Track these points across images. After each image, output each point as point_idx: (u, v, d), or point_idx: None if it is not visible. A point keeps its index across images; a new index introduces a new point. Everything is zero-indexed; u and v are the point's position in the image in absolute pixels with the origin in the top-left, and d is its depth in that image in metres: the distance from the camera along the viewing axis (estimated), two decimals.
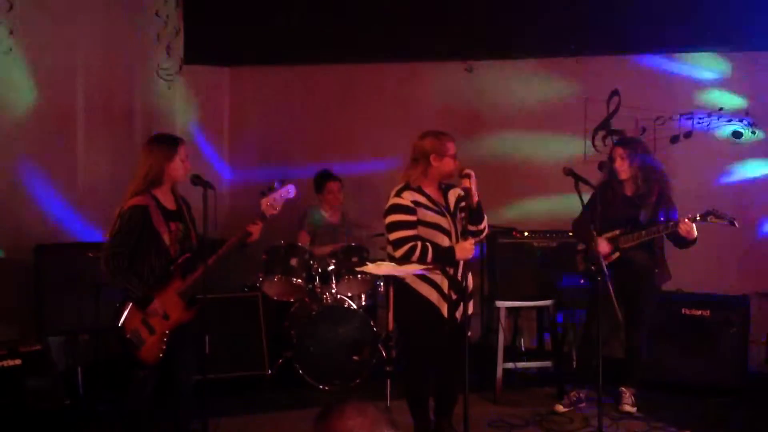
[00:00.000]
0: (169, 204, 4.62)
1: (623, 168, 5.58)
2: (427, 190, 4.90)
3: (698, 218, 5.31)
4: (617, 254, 5.54)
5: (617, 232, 5.56)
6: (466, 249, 4.76)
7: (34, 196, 6.34)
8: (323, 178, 7.00)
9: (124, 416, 4.73)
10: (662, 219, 5.49)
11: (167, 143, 4.62)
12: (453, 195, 4.99)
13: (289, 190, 4.68)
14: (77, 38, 6.63)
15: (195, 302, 4.65)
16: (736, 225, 5.35)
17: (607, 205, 5.47)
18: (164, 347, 4.54)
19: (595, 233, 5.15)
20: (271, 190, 4.66)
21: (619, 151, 5.60)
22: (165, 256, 4.55)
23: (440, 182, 4.97)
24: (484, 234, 5.07)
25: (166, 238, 4.54)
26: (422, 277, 4.82)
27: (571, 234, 5.93)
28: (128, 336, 4.52)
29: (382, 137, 7.46)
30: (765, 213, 6.63)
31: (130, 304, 4.52)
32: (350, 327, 6.24)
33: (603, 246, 5.45)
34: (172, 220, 4.59)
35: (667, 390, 5.99)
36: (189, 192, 4.75)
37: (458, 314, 4.87)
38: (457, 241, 4.86)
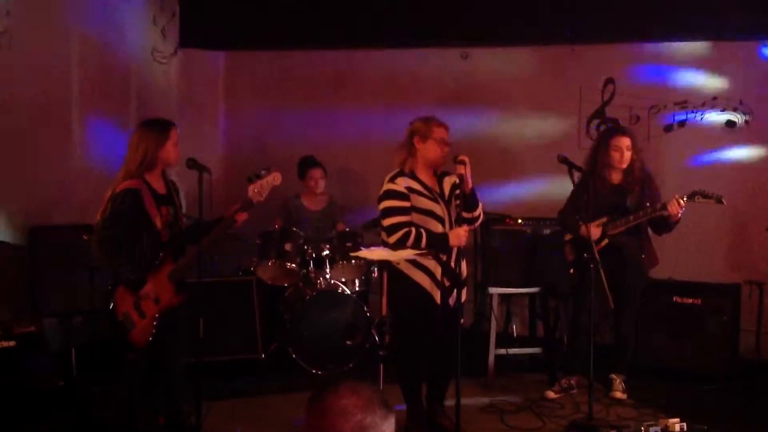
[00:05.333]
0: (160, 188, 4.62)
1: (626, 158, 5.58)
2: (422, 177, 4.91)
3: (685, 198, 5.35)
4: (606, 241, 5.56)
5: (604, 219, 5.58)
6: (459, 236, 4.77)
7: (29, 177, 6.33)
8: (306, 164, 6.96)
9: (117, 398, 4.76)
10: (648, 204, 5.52)
11: (159, 128, 4.61)
12: (448, 182, 4.99)
13: (276, 177, 4.66)
14: (73, 21, 6.60)
15: (184, 286, 4.67)
16: (724, 203, 5.40)
17: (595, 193, 5.48)
18: (155, 330, 4.55)
19: (580, 222, 5.19)
20: (257, 177, 4.64)
21: (627, 141, 5.59)
22: (157, 239, 4.55)
23: (435, 169, 4.98)
24: (479, 221, 5.08)
25: (157, 222, 4.54)
26: (416, 264, 4.84)
27: (558, 222, 5.96)
28: (120, 319, 4.54)
29: (377, 123, 7.45)
30: (756, 201, 6.65)
31: (121, 287, 4.53)
32: (344, 312, 6.25)
33: (594, 231, 5.47)
34: (163, 204, 4.60)
35: (658, 377, 6.03)
36: (184, 175, 4.76)
37: (451, 301, 4.89)
38: (451, 228, 4.87)
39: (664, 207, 5.40)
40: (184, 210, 4.86)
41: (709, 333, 6.09)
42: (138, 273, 4.49)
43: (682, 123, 6.87)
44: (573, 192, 5.26)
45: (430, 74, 7.51)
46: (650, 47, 6.91)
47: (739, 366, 6.13)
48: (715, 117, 6.74)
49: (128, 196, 4.46)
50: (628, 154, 5.57)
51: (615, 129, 6.05)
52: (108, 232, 4.46)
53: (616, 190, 5.63)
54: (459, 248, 4.83)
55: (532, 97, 7.27)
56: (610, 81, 7.05)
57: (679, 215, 5.40)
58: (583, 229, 5.21)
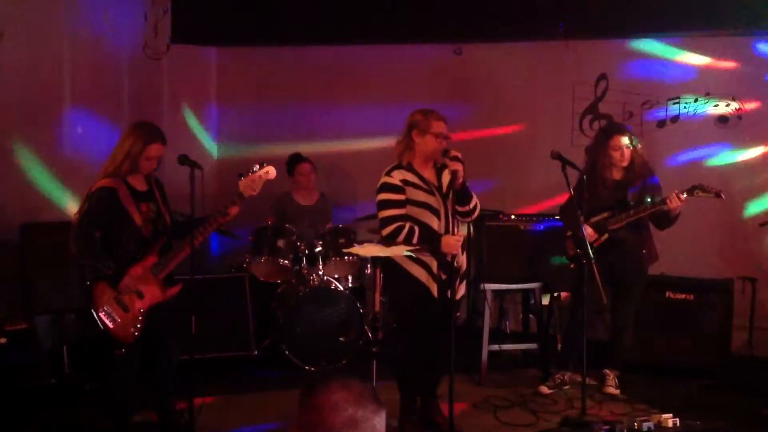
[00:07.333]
0: (140, 185, 4.62)
1: (626, 156, 5.58)
2: (419, 169, 4.90)
3: (685, 193, 5.36)
4: (606, 236, 5.56)
5: (605, 215, 5.58)
6: (450, 245, 4.78)
7: (20, 174, 6.31)
8: (294, 160, 6.99)
9: (109, 395, 4.75)
10: (649, 199, 5.53)
11: (143, 137, 4.55)
12: (447, 175, 4.97)
13: (269, 172, 4.65)
14: (64, 16, 6.58)
15: (175, 282, 4.65)
16: (723, 197, 5.41)
17: (595, 190, 5.50)
18: (140, 325, 4.54)
19: (582, 218, 5.18)
20: (249, 173, 4.64)
21: (626, 140, 5.59)
22: (137, 236, 4.56)
23: (435, 161, 4.96)
24: (475, 214, 5.04)
25: (137, 219, 4.54)
26: (412, 257, 4.84)
27: (557, 218, 5.96)
28: (100, 314, 4.52)
29: (370, 118, 7.44)
30: (749, 197, 6.66)
31: (101, 283, 4.52)
32: (337, 308, 6.25)
33: (587, 232, 5.47)
34: (143, 201, 4.60)
35: (651, 372, 6.03)
36: (176, 172, 4.74)
37: (449, 294, 4.88)
38: (447, 220, 4.87)
39: (664, 202, 5.41)
40: (171, 206, 4.83)
41: (702, 328, 6.10)
42: (114, 266, 4.48)
43: (674, 118, 6.87)
44: (574, 189, 5.26)
45: (423, 70, 7.49)
46: (643, 42, 6.90)
47: (731, 362, 6.13)
48: (708, 112, 6.74)
49: (103, 194, 4.48)
50: (627, 152, 5.57)
51: (613, 128, 5.97)
52: (83, 229, 4.49)
53: (618, 186, 5.63)
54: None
55: (524, 93, 7.26)
56: (603, 77, 7.04)
57: (679, 210, 5.41)
58: (579, 226, 5.20)
